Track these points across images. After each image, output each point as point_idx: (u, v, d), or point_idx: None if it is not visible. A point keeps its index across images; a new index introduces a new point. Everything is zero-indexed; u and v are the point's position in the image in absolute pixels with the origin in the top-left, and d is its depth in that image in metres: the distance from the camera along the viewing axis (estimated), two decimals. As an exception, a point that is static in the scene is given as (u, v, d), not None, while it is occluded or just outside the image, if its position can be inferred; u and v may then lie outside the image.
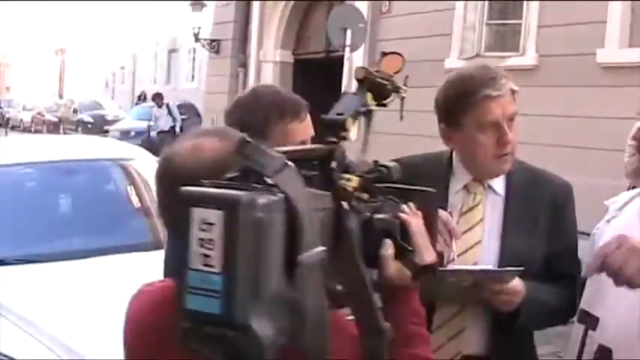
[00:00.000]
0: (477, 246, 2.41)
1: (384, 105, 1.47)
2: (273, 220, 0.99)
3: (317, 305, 1.06)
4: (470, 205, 2.45)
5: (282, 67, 17.66)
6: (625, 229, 2.28)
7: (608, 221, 2.38)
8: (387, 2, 14.12)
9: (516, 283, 2.26)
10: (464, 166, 2.48)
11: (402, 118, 1.56)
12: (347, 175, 1.26)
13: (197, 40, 19.40)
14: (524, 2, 11.19)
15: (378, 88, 1.46)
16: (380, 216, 1.42)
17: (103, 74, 40.89)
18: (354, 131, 1.33)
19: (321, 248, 1.05)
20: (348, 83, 13.19)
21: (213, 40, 18.94)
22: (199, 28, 19.18)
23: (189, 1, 18.67)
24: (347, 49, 12.85)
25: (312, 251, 1.03)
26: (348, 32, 12.64)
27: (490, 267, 2.34)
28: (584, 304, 2.29)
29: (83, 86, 41.32)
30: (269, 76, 17.69)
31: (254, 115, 2.25)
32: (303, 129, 2.29)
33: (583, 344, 2.25)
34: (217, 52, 18.89)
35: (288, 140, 2.22)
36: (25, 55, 51.78)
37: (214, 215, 0.96)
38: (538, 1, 10.95)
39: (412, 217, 1.49)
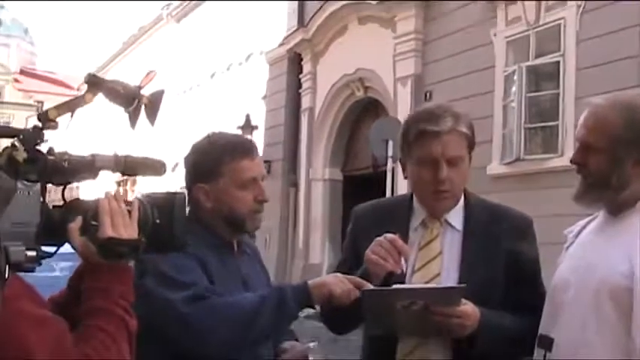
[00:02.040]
0: (436, 278, 2.44)
1: (130, 111, 1.74)
2: None
3: None
4: (427, 240, 2.50)
5: (332, 184, 17.89)
6: (582, 251, 2.32)
7: (567, 249, 2.41)
8: (428, 113, 14.29)
9: (468, 306, 2.28)
10: (420, 203, 2.54)
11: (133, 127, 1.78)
12: (20, 148, 1.54)
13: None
14: (560, 104, 11.29)
15: (112, 92, 1.71)
16: (84, 199, 1.69)
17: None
18: (61, 119, 1.63)
19: None
20: (392, 195, 13.31)
21: (265, 162, 19.37)
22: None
23: (241, 127, 19.18)
24: (389, 160, 13.03)
25: None
26: (390, 143, 12.84)
27: (433, 285, 2.37)
28: (541, 329, 2.30)
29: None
30: (319, 194, 17.94)
31: (207, 157, 2.45)
32: (255, 166, 2.47)
33: (543, 367, 2.25)
34: (269, 172, 19.28)
35: (241, 176, 2.41)
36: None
37: None
38: (573, 102, 11.04)
39: (107, 199, 1.67)
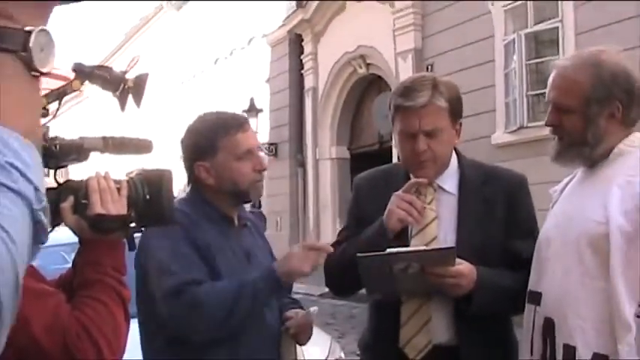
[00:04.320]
0: (434, 242, 2.52)
1: (117, 95, 1.79)
2: None
3: None
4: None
5: (339, 163, 17.94)
6: (562, 207, 2.38)
7: (552, 207, 2.47)
8: (431, 86, 14.32)
9: (463, 266, 2.36)
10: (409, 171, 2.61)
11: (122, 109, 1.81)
12: None
13: (255, 146, 19.86)
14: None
15: (99, 78, 1.77)
16: (75, 179, 1.78)
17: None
18: (52, 107, 1.68)
19: None
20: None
21: (271, 144, 19.44)
22: (257, 133, 19.59)
23: (245, 110, 19.21)
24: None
25: None
26: (394, 118, 12.82)
27: (422, 248, 2.44)
28: (530, 286, 2.37)
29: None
30: (327, 173, 17.99)
31: (202, 135, 2.55)
32: (249, 138, 2.57)
33: (533, 322, 2.32)
34: (275, 155, 19.34)
35: (237, 149, 2.51)
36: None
37: None
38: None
39: (97, 178, 1.77)
